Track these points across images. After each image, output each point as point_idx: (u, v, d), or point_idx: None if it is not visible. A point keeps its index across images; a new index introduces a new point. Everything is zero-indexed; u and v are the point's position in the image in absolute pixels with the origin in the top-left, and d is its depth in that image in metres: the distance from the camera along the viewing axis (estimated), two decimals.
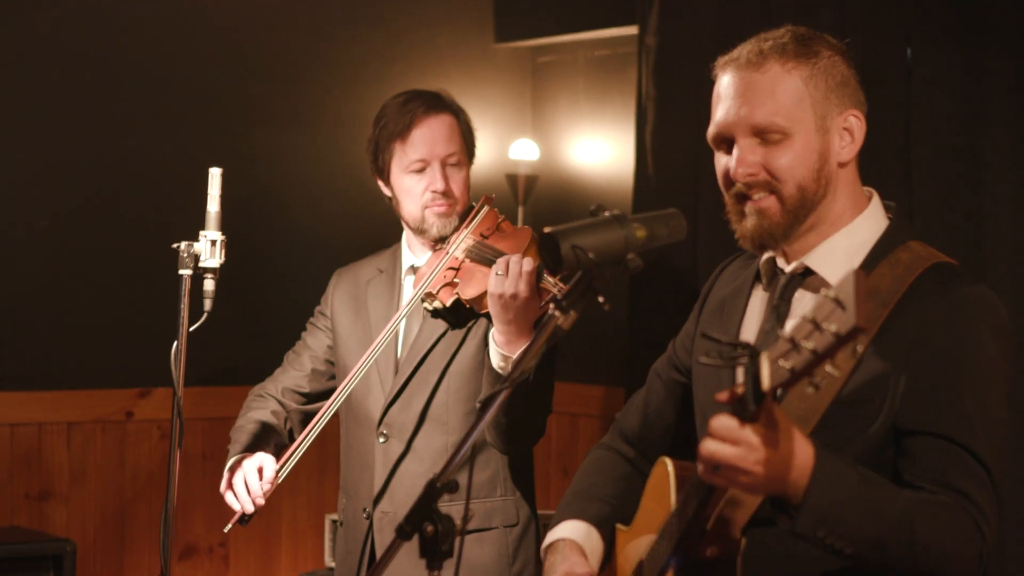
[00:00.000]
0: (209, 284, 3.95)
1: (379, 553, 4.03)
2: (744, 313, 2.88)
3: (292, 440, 4.18)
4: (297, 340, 4.34)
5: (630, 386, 5.66)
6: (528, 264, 3.69)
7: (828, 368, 2.24)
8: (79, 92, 5.65)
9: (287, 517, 6.08)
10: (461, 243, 3.96)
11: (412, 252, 4.14)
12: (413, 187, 4.01)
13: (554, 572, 2.90)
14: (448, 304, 3.94)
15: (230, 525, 4.04)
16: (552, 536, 3.00)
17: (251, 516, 4.00)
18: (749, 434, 2.35)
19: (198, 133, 5.83)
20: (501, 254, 3.80)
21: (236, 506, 3.98)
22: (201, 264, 3.94)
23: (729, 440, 2.37)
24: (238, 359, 5.37)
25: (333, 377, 4.20)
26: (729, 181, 2.76)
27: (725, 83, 2.77)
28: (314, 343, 4.27)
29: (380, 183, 4.13)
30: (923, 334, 2.60)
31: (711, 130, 2.79)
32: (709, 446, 2.38)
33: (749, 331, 2.84)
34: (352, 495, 4.15)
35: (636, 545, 2.87)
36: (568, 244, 2.47)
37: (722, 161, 2.78)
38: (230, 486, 3.99)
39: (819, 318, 2.20)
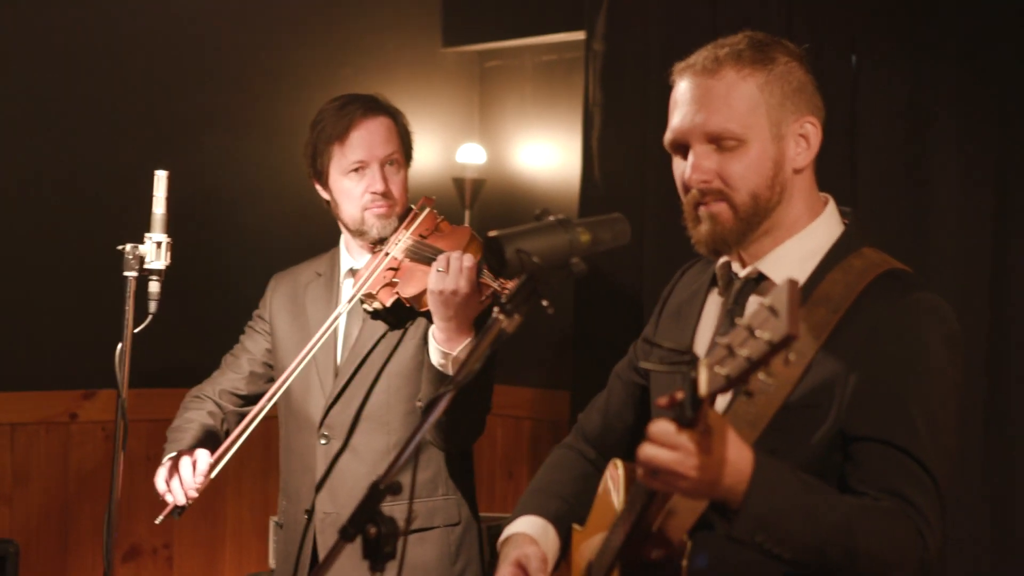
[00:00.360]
0: (154, 286, 3.95)
1: (321, 554, 4.04)
2: (700, 317, 2.90)
3: (225, 437, 4.20)
4: (235, 345, 4.35)
5: (576, 390, 5.68)
6: (469, 260, 3.72)
7: (761, 376, 2.26)
8: (25, 94, 5.62)
9: (231, 519, 6.07)
10: (400, 243, 3.97)
11: (350, 255, 4.15)
12: (352, 189, 4.03)
13: (507, 560, 2.92)
14: (388, 304, 3.95)
15: (162, 517, 4.06)
16: (509, 531, 3.01)
17: (183, 509, 4.01)
18: (686, 439, 2.35)
19: (145, 136, 5.81)
20: (441, 252, 3.82)
21: (169, 499, 3.99)
22: (146, 266, 3.94)
23: (667, 445, 2.37)
24: (183, 361, 5.35)
25: (271, 380, 4.20)
26: (685, 187, 2.77)
27: (681, 89, 2.77)
28: (252, 346, 4.28)
29: (318, 187, 4.13)
30: (872, 340, 2.61)
31: (667, 136, 2.79)
32: (647, 450, 2.39)
33: (704, 335, 2.86)
34: (293, 497, 4.15)
35: (589, 545, 2.88)
36: (513, 248, 2.47)
37: (679, 166, 2.79)
38: (165, 480, 3.99)
39: (754, 325, 2.21)
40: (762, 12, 4.83)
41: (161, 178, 3.97)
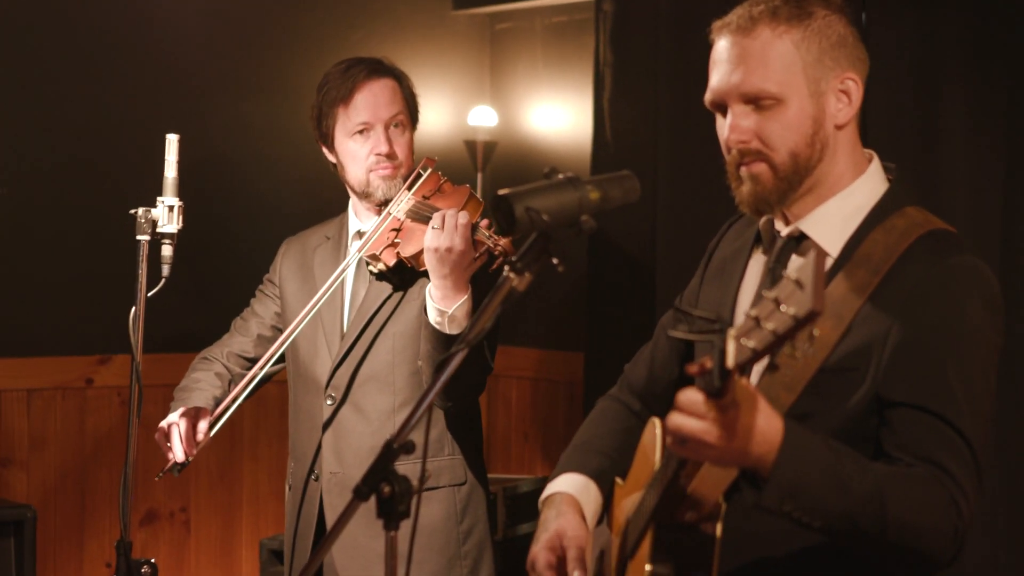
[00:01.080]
0: (167, 250, 3.96)
1: (328, 514, 4.07)
2: (743, 275, 2.87)
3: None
4: (245, 309, 4.37)
5: (589, 351, 5.70)
6: (463, 217, 3.74)
7: (787, 350, 2.26)
8: (35, 61, 5.62)
9: (248, 483, 6.10)
10: (403, 204, 3.98)
11: (358, 218, 4.16)
12: (357, 151, 4.04)
13: (547, 530, 2.89)
14: (391, 265, 3.96)
15: (161, 473, 4.08)
16: (550, 489, 2.99)
17: (183, 466, 4.03)
18: (714, 409, 2.34)
19: (156, 100, 5.82)
20: (438, 211, 3.83)
21: (169, 456, 4.01)
22: (159, 230, 3.95)
23: (695, 414, 2.36)
24: (199, 325, 5.36)
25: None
26: (726, 147, 2.74)
27: (719, 48, 2.73)
28: (262, 309, 4.30)
29: (324, 149, 4.15)
30: (910, 304, 2.58)
31: (707, 95, 2.75)
32: (675, 419, 2.38)
33: (747, 293, 2.83)
34: (300, 458, 4.18)
35: (629, 501, 2.87)
36: (522, 206, 2.47)
37: (721, 125, 2.76)
38: (165, 436, 4.01)
39: (780, 298, 2.19)
40: None
41: (172, 142, 3.97)
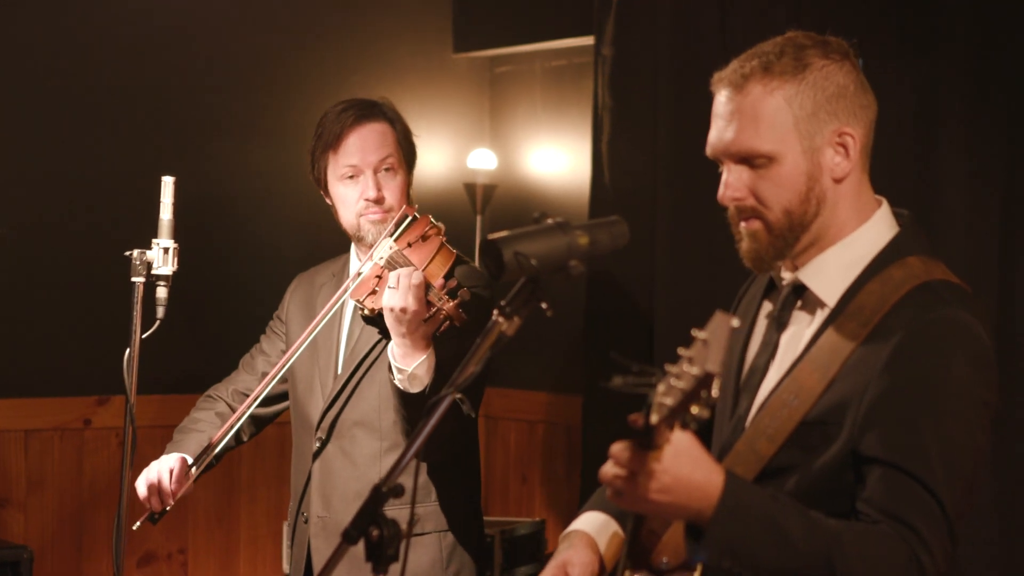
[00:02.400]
0: (162, 291, 3.97)
1: (314, 557, 4.07)
2: (754, 323, 2.87)
3: (240, 442, 4.22)
4: (254, 346, 4.37)
5: (588, 394, 5.69)
6: (417, 278, 3.71)
7: (695, 409, 2.27)
8: (32, 100, 5.63)
9: (245, 524, 6.09)
10: (385, 252, 3.96)
11: (359, 258, 4.17)
12: (347, 195, 4.04)
13: (555, 559, 2.90)
14: (376, 312, 3.96)
15: (138, 523, 4.07)
16: (570, 527, 2.99)
17: (161, 515, 4.02)
18: (644, 462, 2.36)
19: (155, 142, 5.83)
20: (408, 265, 3.82)
21: (146, 506, 4.02)
22: (154, 272, 3.96)
23: (624, 466, 2.38)
24: (196, 367, 5.37)
25: (286, 381, 4.22)
26: (722, 203, 2.73)
27: (717, 102, 2.72)
28: (268, 348, 4.30)
29: (322, 193, 4.15)
30: (892, 358, 2.55)
31: (707, 149, 2.75)
32: (606, 469, 2.40)
33: (756, 341, 2.83)
34: (295, 498, 4.18)
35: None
36: (511, 251, 2.48)
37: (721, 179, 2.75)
38: (145, 484, 4.01)
39: (691, 357, 2.22)
40: (770, 15, 4.83)
41: (168, 184, 3.99)
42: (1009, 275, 4.29)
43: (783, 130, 2.64)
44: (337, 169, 4.03)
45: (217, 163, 5.99)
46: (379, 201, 4.01)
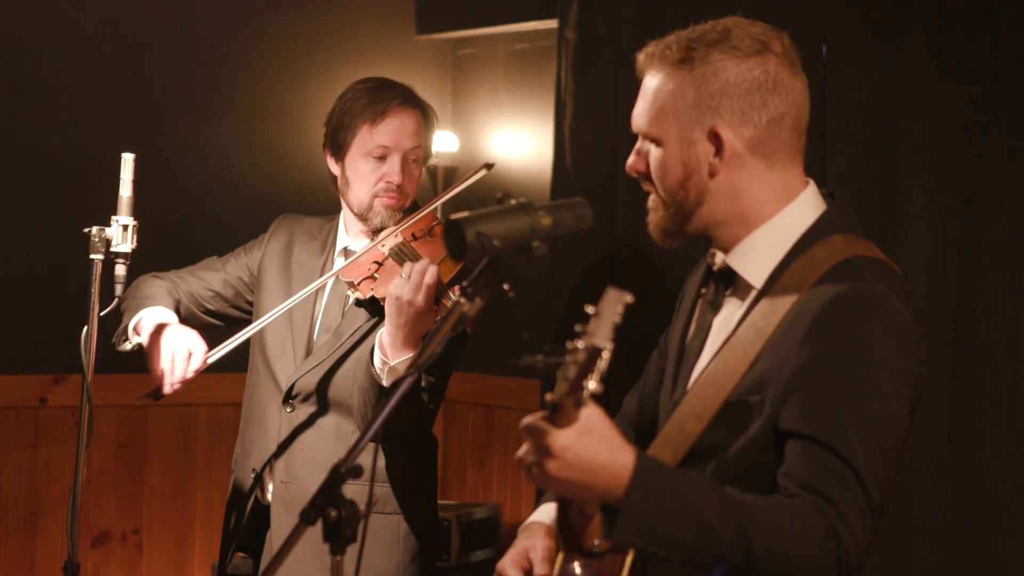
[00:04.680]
0: (120, 269, 3.95)
1: (273, 522, 4.09)
2: (693, 308, 2.90)
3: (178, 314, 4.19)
4: (218, 257, 4.38)
5: (545, 378, 5.68)
6: (432, 276, 3.70)
7: (591, 384, 2.30)
8: None
9: (201, 505, 6.07)
10: (390, 240, 3.96)
11: (348, 234, 4.15)
12: (368, 173, 4.02)
13: (513, 549, 2.91)
14: (367, 297, 3.95)
15: (143, 398, 4.05)
16: (529, 519, 3.01)
17: (163, 395, 3.99)
18: (550, 439, 2.38)
19: (115, 119, 5.81)
20: (418, 258, 3.81)
21: (163, 384, 3.97)
22: (113, 249, 3.93)
23: (532, 443, 2.41)
24: None
25: (234, 307, 4.22)
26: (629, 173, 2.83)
27: None
28: (232, 268, 4.30)
29: (330, 159, 4.11)
30: (808, 333, 2.57)
31: None
32: (521, 449, 2.43)
33: (693, 327, 2.86)
34: (246, 449, 4.17)
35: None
36: (473, 231, 2.48)
37: None
38: (159, 353, 3.96)
39: (584, 331, 2.26)
40: (732, 2, 4.83)
41: (128, 161, 3.96)
42: (969, 262, 4.30)
43: (665, 116, 2.71)
44: (368, 143, 4.01)
45: (178, 141, 5.96)
46: (400, 188, 3.99)
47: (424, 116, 4.09)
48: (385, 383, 3.77)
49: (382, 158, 4.01)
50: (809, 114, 2.80)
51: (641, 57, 2.77)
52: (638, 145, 2.78)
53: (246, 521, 4.16)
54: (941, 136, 4.35)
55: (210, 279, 4.27)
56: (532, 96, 6.34)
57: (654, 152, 2.73)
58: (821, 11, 4.62)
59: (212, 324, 4.28)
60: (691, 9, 4.94)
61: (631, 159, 2.79)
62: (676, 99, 2.70)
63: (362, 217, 4.05)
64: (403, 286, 3.70)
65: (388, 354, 3.77)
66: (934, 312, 4.26)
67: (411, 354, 3.75)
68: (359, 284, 3.94)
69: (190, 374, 3.94)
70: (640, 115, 2.76)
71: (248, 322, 4.17)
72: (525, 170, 6.35)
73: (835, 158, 4.54)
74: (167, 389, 3.96)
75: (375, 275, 3.92)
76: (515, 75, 6.46)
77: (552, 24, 5.78)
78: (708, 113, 2.69)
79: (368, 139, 4.01)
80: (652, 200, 2.77)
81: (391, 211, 4.01)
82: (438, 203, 4.03)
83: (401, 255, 3.91)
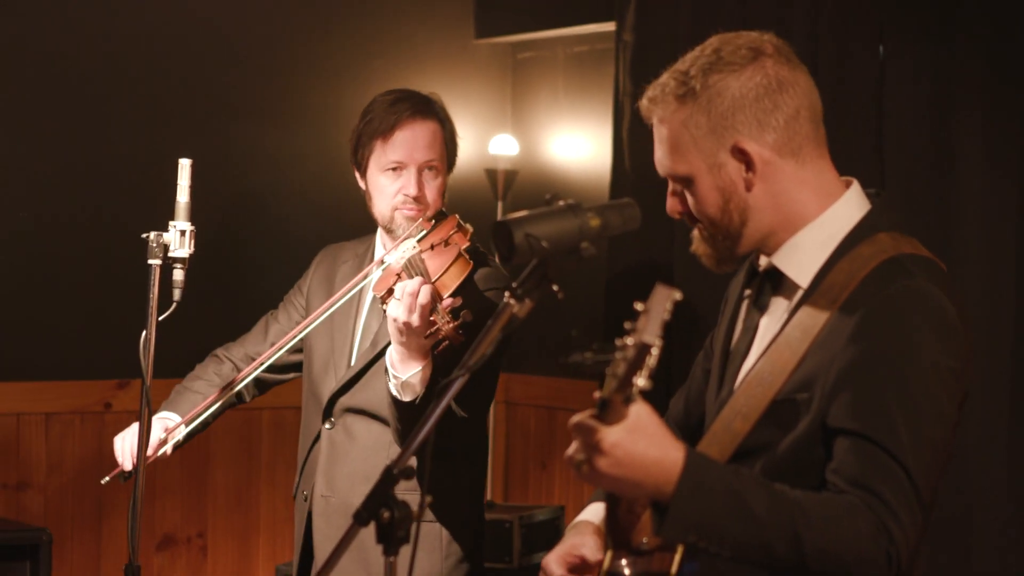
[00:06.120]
0: (178, 274, 3.95)
1: (316, 537, 4.08)
2: (738, 309, 2.90)
3: (241, 401, 4.28)
4: (270, 312, 4.39)
5: (602, 378, 5.69)
6: (424, 297, 3.65)
7: (640, 380, 2.30)
8: (52, 86, 5.66)
9: (265, 508, 6.10)
10: (402, 252, 3.95)
11: (384, 247, 4.16)
12: (387, 187, 4.02)
13: (561, 545, 2.92)
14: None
15: (107, 479, 4.11)
16: (578, 518, 3.02)
17: (129, 475, 4.03)
18: (600, 436, 2.38)
19: (173, 125, 5.85)
20: (424, 272, 3.80)
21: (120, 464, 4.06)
22: (170, 254, 3.95)
23: (581, 440, 2.40)
24: (212, 350, 5.38)
25: (298, 351, 4.23)
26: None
27: None
28: (283, 317, 4.30)
29: (357, 175, 4.15)
30: (856, 331, 2.57)
31: None
32: (571, 448, 2.43)
33: (739, 328, 2.86)
34: (302, 473, 4.20)
35: None
36: (521, 233, 2.47)
37: None
38: (122, 442, 4.07)
39: (633, 329, 2.26)
40: (789, 2, 4.82)
41: (185, 166, 3.98)
42: None
43: (687, 151, 2.70)
44: (382, 159, 4.01)
45: (235, 146, 6.00)
46: (418, 199, 3.99)
47: (441, 125, 4.07)
48: (404, 397, 3.77)
49: (398, 171, 4.01)
50: (820, 102, 2.75)
51: (643, 104, 2.77)
52: (671, 187, 2.77)
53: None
54: (998, 135, 4.34)
55: (265, 333, 4.32)
56: (591, 99, 6.35)
57: (689, 189, 2.72)
58: (877, 11, 4.61)
59: (288, 379, 4.33)
60: (747, 10, 4.94)
61: (669, 203, 2.78)
62: (691, 131, 2.68)
63: (387, 229, 4.07)
64: (396, 307, 3.69)
65: (397, 370, 3.77)
66: (992, 312, 4.24)
67: (419, 367, 3.74)
68: (384, 296, 3.93)
69: (149, 451, 4.01)
70: (662, 159, 2.75)
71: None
72: (585, 172, 6.36)
73: (892, 157, 4.53)
74: (127, 467, 4.04)
75: (393, 288, 3.92)
76: (574, 78, 6.47)
77: (610, 27, 5.79)
78: (726, 133, 2.68)
79: (382, 155, 4.02)
80: (697, 231, 2.77)
81: (412, 222, 4.01)
82: (402, 248, 4.00)
83: (412, 268, 3.89)
